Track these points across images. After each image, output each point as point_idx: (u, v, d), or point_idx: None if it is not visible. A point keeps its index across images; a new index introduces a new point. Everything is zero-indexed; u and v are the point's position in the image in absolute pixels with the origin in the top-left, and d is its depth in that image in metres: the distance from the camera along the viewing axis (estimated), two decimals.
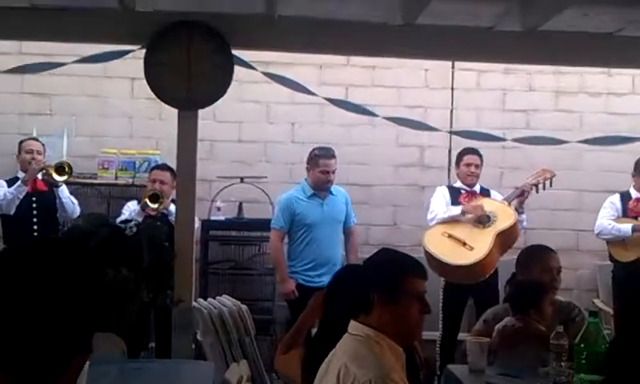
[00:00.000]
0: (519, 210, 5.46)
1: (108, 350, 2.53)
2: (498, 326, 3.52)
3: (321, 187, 5.52)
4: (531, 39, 4.24)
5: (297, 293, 5.36)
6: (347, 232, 5.69)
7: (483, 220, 5.27)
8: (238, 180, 6.13)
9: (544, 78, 6.55)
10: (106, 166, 6.11)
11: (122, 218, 5.12)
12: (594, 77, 6.51)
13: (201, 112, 4.30)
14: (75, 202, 5.67)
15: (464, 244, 5.17)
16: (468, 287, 5.31)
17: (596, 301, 6.16)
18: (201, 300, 4.62)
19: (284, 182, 6.18)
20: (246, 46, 4.29)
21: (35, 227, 5.55)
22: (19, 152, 5.71)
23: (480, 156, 5.69)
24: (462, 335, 5.25)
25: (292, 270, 5.50)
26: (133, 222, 3.73)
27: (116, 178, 6.10)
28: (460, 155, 5.77)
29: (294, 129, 6.48)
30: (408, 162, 6.52)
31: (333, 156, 5.53)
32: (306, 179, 5.59)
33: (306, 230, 5.48)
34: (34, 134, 5.92)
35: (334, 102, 4.90)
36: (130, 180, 6.07)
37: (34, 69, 5.29)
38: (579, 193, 6.52)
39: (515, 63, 6.00)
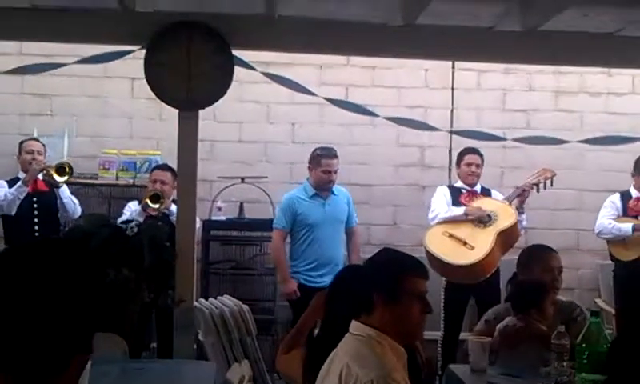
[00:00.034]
0: (519, 209, 5.46)
1: (109, 350, 2.53)
2: (499, 326, 3.52)
3: (323, 187, 5.53)
4: (531, 39, 4.24)
5: (298, 293, 5.37)
6: (349, 232, 5.69)
7: (484, 219, 5.27)
8: (239, 180, 6.14)
9: (544, 77, 6.55)
10: (106, 167, 6.11)
11: (123, 218, 5.13)
12: (594, 77, 6.52)
13: (201, 112, 4.30)
14: (76, 202, 5.68)
15: (465, 243, 5.17)
16: (469, 287, 5.31)
17: (597, 300, 6.16)
18: (202, 300, 4.63)
19: (284, 182, 6.19)
20: (246, 46, 4.29)
21: (36, 228, 5.56)
22: (20, 152, 5.72)
23: (481, 156, 5.70)
24: (463, 335, 5.25)
25: (294, 270, 5.50)
26: (134, 223, 3.73)
27: (117, 178, 6.10)
28: (461, 155, 5.77)
29: (294, 129, 6.48)
30: (408, 162, 6.53)
31: (335, 156, 5.53)
32: (307, 179, 5.60)
33: (307, 230, 5.48)
34: (35, 135, 5.92)
35: (334, 102, 4.90)
36: (131, 180, 6.07)
37: (35, 69, 5.30)
38: (580, 192, 6.53)
39: (515, 63, 6.00)
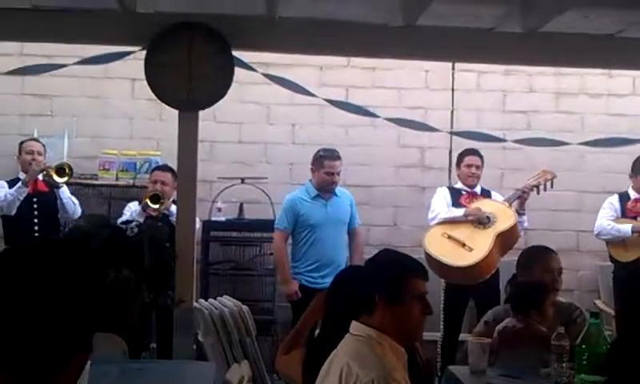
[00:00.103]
0: (520, 211, 5.46)
1: (109, 351, 2.53)
2: (498, 327, 3.52)
3: (325, 188, 5.53)
4: (532, 41, 4.24)
5: (300, 294, 5.37)
6: (351, 234, 5.69)
7: (483, 221, 5.27)
8: (239, 181, 6.14)
9: (544, 79, 6.55)
10: (106, 167, 6.11)
11: (123, 218, 5.12)
12: (595, 78, 6.52)
13: (201, 113, 4.30)
14: (76, 202, 5.68)
15: (463, 245, 5.17)
16: (469, 288, 5.31)
17: (597, 302, 6.16)
18: (202, 300, 4.63)
19: (284, 183, 6.19)
20: (246, 47, 4.29)
21: (36, 228, 5.56)
22: (20, 153, 5.72)
23: (481, 157, 5.70)
24: (463, 336, 5.25)
25: (295, 271, 5.51)
26: (134, 223, 3.74)
27: (117, 178, 6.10)
28: (461, 156, 5.77)
29: (294, 130, 6.48)
30: (409, 163, 6.53)
31: (338, 157, 5.54)
32: (310, 180, 5.60)
33: (309, 231, 5.48)
34: (35, 135, 5.92)
35: (334, 103, 4.90)
36: (131, 181, 6.07)
37: (35, 70, 5.30)
38: (580, 194, 6.53)
39: (516, 64, 6.01)
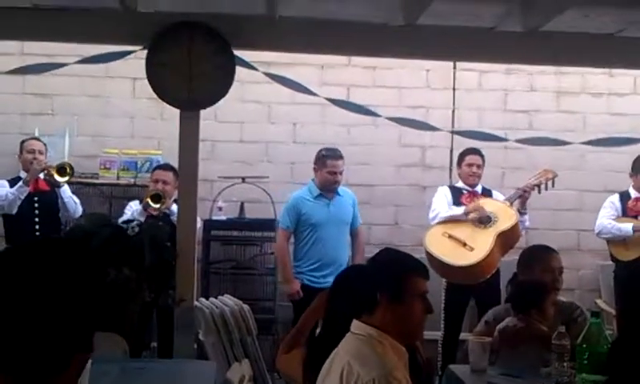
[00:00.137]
0: (522, 210, 5.46)
1: (110, 350, 2.53)
2: (499, 326, 3.52)
3: (328, 188, 5.54)
4: (532, 40, 4.24)
5: (302, 293, 5.37)
6: (353, 233, 5.70)
7: (484, 220, 5.27)
8: (240, 180, 6.14)
9: (545, 78, 6.55)
10: (107, 166, 6.12)
11: (124, 217, 5.13)
12: (596, 77, 6.51)
13: (202, 112, 4.30)
14: (77, 201, 5.68)
15: (464, 244, 5.17)
16: (470, 288, 5.31)
17: (598, 301, 6.16)
18: (203, 299, 4.63)
19: (285, 182, 6.19)
20: (247, 46, 4.28)
21: (37, 227, 5.56)
22: (21, 152, 5.72)
23: (482, 156, 5.70)
24: (463, 335, 5.25)
25: (297, 270, 5.51)
26: (135, 222, 3.74)
27: (118, 177, 6.11)
28: (462, 155, 5.77)
29: (295, 129, 6.48)
30: (410, 162, 6.53)
31: (340, 157, 5.55)
32: (313, 180, 5.60)
33: (311, 230, 5.49)
34: (36, 134, 5.93)
35: (335, 102, 4.90)
36: (132, 180, 6.08)
37: (36, 69, 5.30)
38: (581, 193, 6.53)
39: (517, 63, 6.00)
